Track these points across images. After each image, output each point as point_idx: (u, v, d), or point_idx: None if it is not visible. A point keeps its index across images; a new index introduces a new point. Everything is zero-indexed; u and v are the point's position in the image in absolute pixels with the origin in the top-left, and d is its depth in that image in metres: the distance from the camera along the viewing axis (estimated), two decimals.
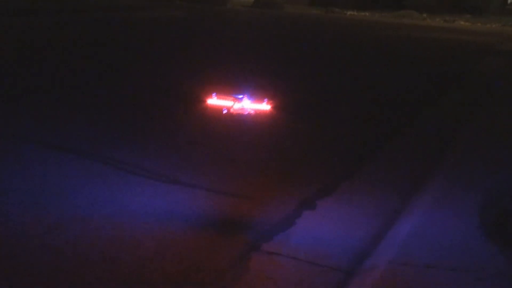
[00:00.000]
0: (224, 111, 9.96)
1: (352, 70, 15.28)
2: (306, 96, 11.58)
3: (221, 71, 13.03)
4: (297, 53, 18.01)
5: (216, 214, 5.70)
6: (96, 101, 9.99)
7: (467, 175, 6.75)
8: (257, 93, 10.15)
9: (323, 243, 5.12)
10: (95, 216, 5.46)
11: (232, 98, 10.13)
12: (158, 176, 6.57)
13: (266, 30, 25.14)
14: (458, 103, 11.52)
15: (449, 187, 6.37)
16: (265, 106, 10.34)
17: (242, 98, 10.24)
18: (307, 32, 25.31)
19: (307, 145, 8.48)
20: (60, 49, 15.34)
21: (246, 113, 10.37)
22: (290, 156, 7.88)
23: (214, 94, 10.42)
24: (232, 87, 10.45)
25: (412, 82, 13.95)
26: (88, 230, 5.17)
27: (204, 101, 10.26)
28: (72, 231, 5.15)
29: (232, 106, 10.31)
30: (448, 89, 12.95)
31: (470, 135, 8.70)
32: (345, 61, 16.91)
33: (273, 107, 10.34)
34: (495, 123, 9.52)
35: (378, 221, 5.62)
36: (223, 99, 10.33)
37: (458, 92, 12.86)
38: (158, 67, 13.51)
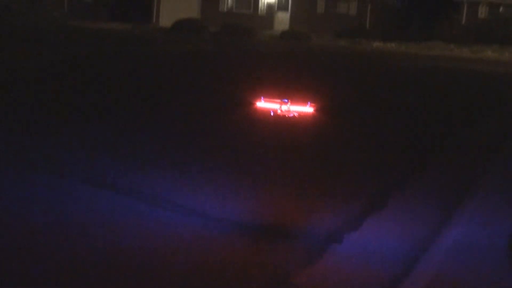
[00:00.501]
0: (272, 113, 11.22)
1: (389, 98, 15.34)
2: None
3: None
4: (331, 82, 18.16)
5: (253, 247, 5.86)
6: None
7: (500, 202, 6.84)
8: (301, 97, 11.14)
9: (358, 270, 5.25)
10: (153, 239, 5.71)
11: (278, 101, 11.46)
12: (189, 210, 6.70)
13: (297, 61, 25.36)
14: (490, 133, 11.55)
15: (481, 215, 6.45)
16: (308, 109, 11.47)
17: (287, 101, 11.45)
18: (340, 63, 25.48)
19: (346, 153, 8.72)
20: (118, 80, 15.71)
21: (291, 115, 11.67)
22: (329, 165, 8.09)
23: (262, 98, 11.61)
24: (278, 93, 11.36)
25: (444, 111, 13.98)
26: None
27: (254, 104, 11.54)
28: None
29: (278, 109, 11.64)
30: (481, 118, 12.99)
31: (502, 163, 8.79)
32: (383, 90, 17.00)
33: (316, 110, 11.81)
34: None
35: (413, 247, 5.73)
36: (270, 102, 11.60)
37: (490, 121, 12.89)
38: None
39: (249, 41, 37.22)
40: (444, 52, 36.71)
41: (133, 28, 42.11)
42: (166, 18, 45.62)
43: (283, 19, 45.01)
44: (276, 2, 45.44)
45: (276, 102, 11.53)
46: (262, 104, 11.62)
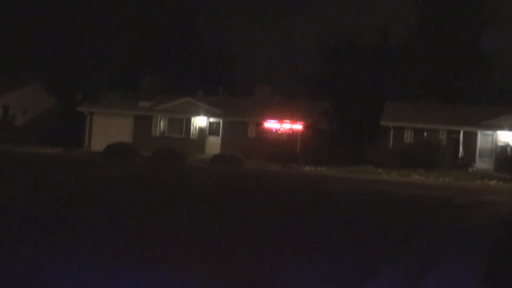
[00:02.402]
0: (274, 130, 30.51)
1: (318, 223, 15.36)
2: None
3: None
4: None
5: None
6: None
7: None
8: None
9: None
10: None
11: (278, 122, 29.41)
12: None
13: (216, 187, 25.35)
14: (418, 258, 11.57)
15: None
16: (298, 126, 32.42)
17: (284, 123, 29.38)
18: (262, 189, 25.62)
19: None
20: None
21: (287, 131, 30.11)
22: None
23: (268, 120, 29.44)
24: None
25: (373, 234, 14.01)
26: None
27: (262, 125, 30.55)
28: None
29: (279, 128, 31.07)
30: (406, 243, 13.04)
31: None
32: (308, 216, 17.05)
33: (304, 127, 30.46)
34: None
35: None
36: (274, 123, 32.24)
37: (416, 246, 12.94)
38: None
39: (179, 165, 37.32)
40: (373, 175, 37.44)
41: (64, 153, 41.86)
42: (98, 142, 45.64)
43: (214, 143, 45.52)
44: (208, 126, 46.07)
45: (277, 123, 30.81)
46: (268, 124, 28.75)
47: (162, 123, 46.78)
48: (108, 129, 46.66)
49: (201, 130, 46.05)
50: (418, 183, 33.79)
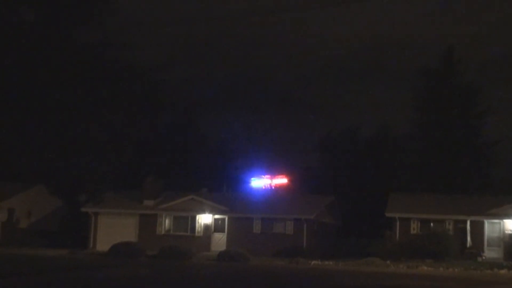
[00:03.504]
0: (263, 186, 34.17)
1: None
2: None
3: None
4: None
5: None
6: None
7: None
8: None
9: None
10: None
11: (265, 178, 34.27)
12: None
13: None
14: None
15: None
16: (283, 180, 36.74)
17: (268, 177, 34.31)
18: None
19: None
20: None
21: (273, 186, 34.22)
22: None
23: (254, 177, 31.64)
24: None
25: None
26: None
27: (250, 182, 34.41)
28: None
29: (266, 183, 35.87)
30: None
31: None
32: None
33: (289, 180, 34.95)
34: None
35: None
36: (260, 179, 36.80)
37: None
38: None
39: (185, 263, 36.93)
40: (381, 268, 36.93)
41: (69, 254, 41.54)
42: (103, 242, 45.28)
43: (220, 240, 45.23)
44: (213, 223, 45.88)
45: (264, 179, 37.52)
46: (256, 180, 35.14)
47: (167, 221, 46.62)
48: (113, 229, 46.44)
49: (206, 227, 45.84)
50: (427, 274, 33.28)
